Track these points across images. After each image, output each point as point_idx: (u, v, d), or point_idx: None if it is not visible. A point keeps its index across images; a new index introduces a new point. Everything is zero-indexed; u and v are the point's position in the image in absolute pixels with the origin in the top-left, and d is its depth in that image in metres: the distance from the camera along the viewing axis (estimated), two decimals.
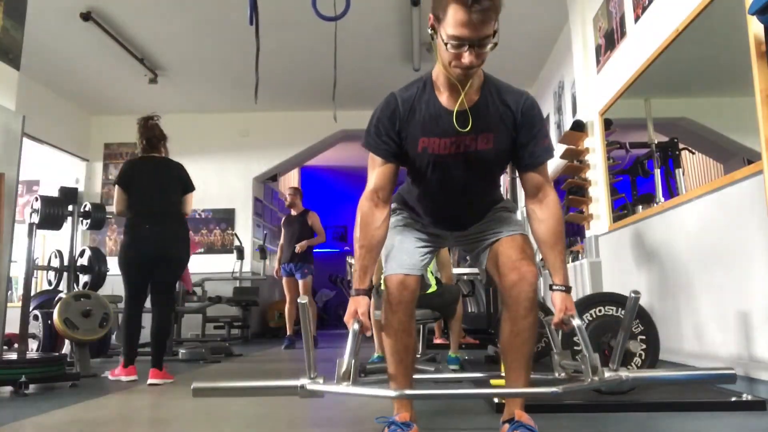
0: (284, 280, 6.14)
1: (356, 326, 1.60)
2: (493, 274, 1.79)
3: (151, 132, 3.72)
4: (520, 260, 1.68)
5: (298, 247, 5.98)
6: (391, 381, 1.77)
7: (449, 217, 1.84)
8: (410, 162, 1.74)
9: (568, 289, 1.68)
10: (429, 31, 1.58)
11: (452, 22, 1.47)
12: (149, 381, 3.25)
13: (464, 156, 1.67)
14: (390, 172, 1.72)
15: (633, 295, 1.57)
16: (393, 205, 1.90)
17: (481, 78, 1.66)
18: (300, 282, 6.04)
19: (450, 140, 1.65)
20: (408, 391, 1.68)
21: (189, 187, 3.68)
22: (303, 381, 1.54)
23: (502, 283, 1.70)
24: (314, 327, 6.34)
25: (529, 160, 1.69)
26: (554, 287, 1.69)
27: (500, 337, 1.77)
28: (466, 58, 1.50)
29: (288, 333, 6.09)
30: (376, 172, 1.72)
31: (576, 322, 1.63)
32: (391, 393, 1.65)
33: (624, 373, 1.58)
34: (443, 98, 1.65)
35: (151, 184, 3.53)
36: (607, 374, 1.57)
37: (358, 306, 1.64)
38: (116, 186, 3.55)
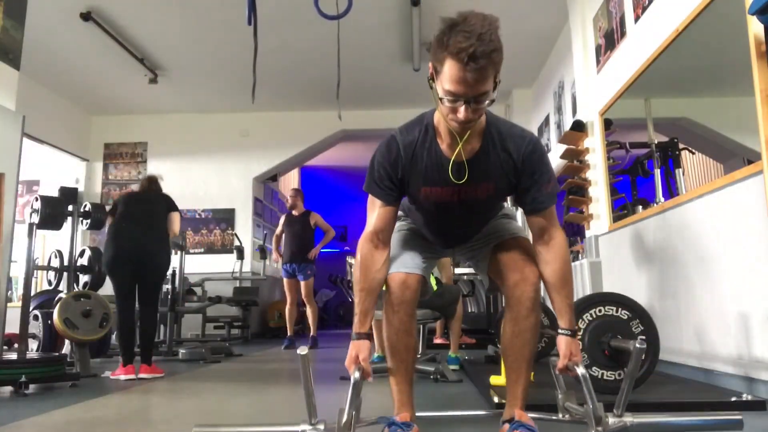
0: (285, 282, 6.10)
1: (357, 375, 1.57)
2: (495, 277, 1.79)
3: (149, 185, 4.05)
4: (521, 261, 1.68)
5: (312, 254, 6.00)
6: (391, 379, 1.77)
7: (451, 236, 1.86)
8: (411, 199, 1.76)
9: (574, 334, 1.66)
10: (429, 81, 1.54)
11: (448, 77, 1.43)
12: (138, 375, 3.50)
13: (464, 202, 1.68)
14: (390, 215, 1.70)
15: (638, 345, 1.54)
16: (398, 213, 1.92)
17: (482, 123, 1.62)
18: (302, 283, 6.00)
19: (452, 190, 1.65)
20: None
21: (173, 206, 3.96)
22: (304, 427, 1.53)
23: (505, 283, 1.70)
24: (315, 327, 6.19)
25: (532, 205, 1.67)
26: (560, 331, 1.66)
27: (501, 338, 1.77)
28: (462, 113, 1.47)
29: (288, 333, 6.06)
30: (376, 214, 1.69)
31: (580, 370, 1.59)
32: None
33: (629, 419, 1.56)
34: (444, 146, 1.63)
35: (136, 202, 3.89)
36: (611, 420, 1.55)
37: (359, 351, 1.62)
38: (108, 217, 3.94)
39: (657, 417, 1.73)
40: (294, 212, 6.27)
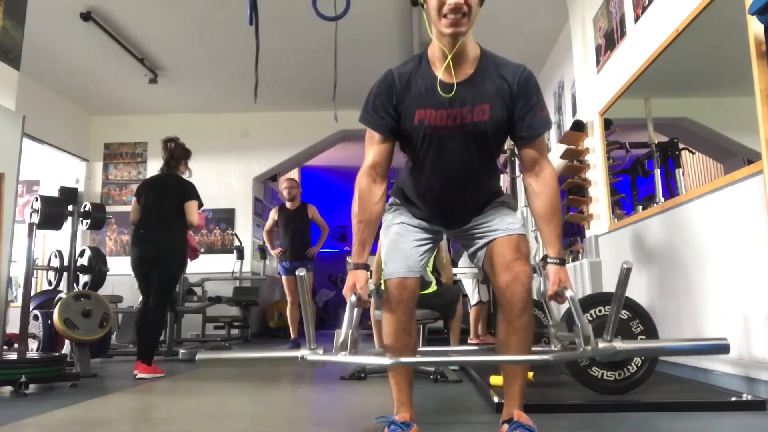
0: (285, 280, 5.71)
1: (354, 298, 1.62)
2: (489, 274, 1.79)
3: (169, 154, 4.01)
4: (513, 260, 1.67)
5: (310, 254, 5.67)
6: (391, 379, 1.77)
7: (448, 206, 1.80)
8: (407, 138, 1.73)
9: (562, 262, 1.69)
10: (421, 5, 1.63)
11: None
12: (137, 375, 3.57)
13: (460, 129, 1.66)
14: (387, 149, 1.74)
15: (625, 266, 1.56)
16: (390, 200, 1.89)
17: (477, 52, 1.67)
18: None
19: (446, 112, 1.65)
20: (403, 359, 1.66)
21: (187, 196, 3.91)
22: (303, 352, 1.55)
23: (496, 283, 1.70)
24: (295, 330, 5.80)
25: (527, 132, 1.69)
26: (549, 260, 1.70)
27: (496, 338, 1.77)
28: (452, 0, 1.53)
29: (292, 336, 5.75)
30: (374, 148, 1.73)
31: (569, 293, 1.63)
32: (387, 361, 1.63)
33: (618, 344, 1.58)
34: (438, 71, 1.66)
35: (152, 196, 3.91)
36: (601, 345, 1.58)
37: (356, 280, 1.66)
38: (134, 198, 4.03)
39: (645, 343, 1.74)
40: (288, 204, 5.79)
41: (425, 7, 1.63)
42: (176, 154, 3.99)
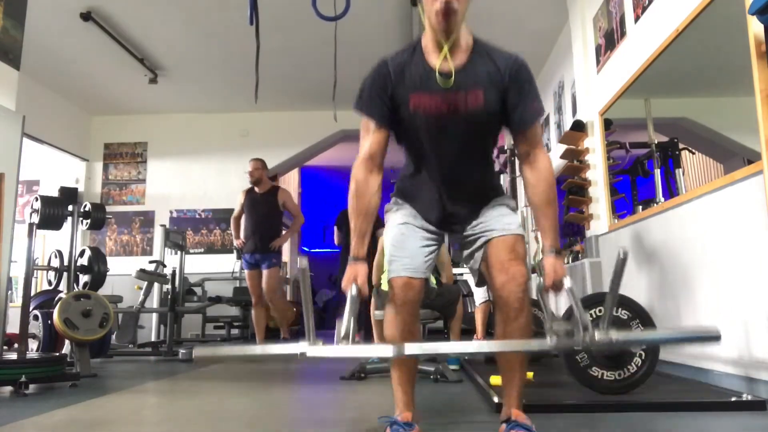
0: (247, 274, 5.01)
1: (354, 291, 1.62)
2: (485, 275, 1.78)
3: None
4: (509, 261, 1.66)
5: (275, 245, 4.93)
6: (394, 379, 1.76)
7: (447, 198, 1.77)
8: (403, 127, 1.73)
9: (559, 253, 1.69)
10: None
11: None
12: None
13: (455, 115, 1.66)
14: (383, 139, 1.73)
15: (621, 254, 1.55)
16: (392, 200, 1.88)
17: (470, 41, 1.68)
18: (265, 273, 4.89)
19: (440, 98, 1.65)
20: (407, 345, 1.59)
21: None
22: (302, 345, 1.55)
23: (492, 284, 1.69)
24: (286, 329, 5.21)
25: (520, 122, 1.70)
26: (545, 251, 1.70)
27: (495, 338, 1.76)
28: None
29: (258, 342, 5.00)
30: (369, 138, 1.72)
31: (567, 283, 1.63)
32: (389, 350, 1.58)
33: (614, 335, 1.57)
34: (432, 59, 1.67)
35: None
36: (597, 335, 1.58)
37: (356, 273, 1.65)
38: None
39: (641, 334, 1.75)
40: (257, 189, 5.09)
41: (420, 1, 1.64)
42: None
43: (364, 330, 5.69)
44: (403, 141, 1.78)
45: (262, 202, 5.05)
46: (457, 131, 1.68)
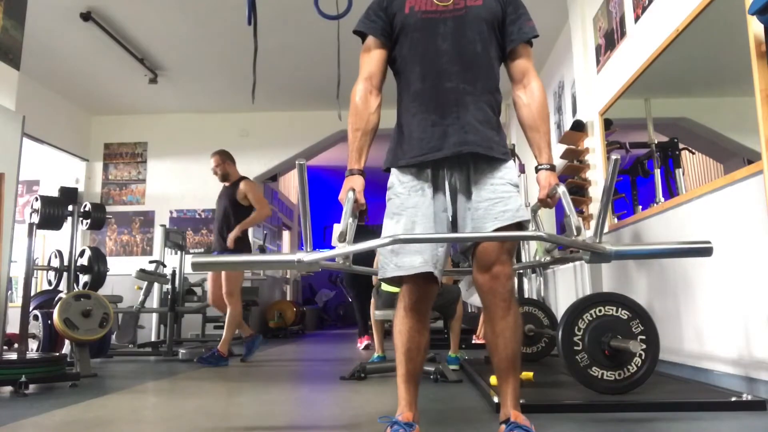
0: (210, 275, 4.72)
1: (351, 194, 1.66)
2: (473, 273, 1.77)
3: None
4: (494, 260, 1.63)
5: (229, 241, 4.45)
6: (399, 378, 1.74)
7: (448, 113, 1.68)
8: (401, 39, 1.76)
9: (553, 168, 1.73)
10: None
11: None
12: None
13: (454, 13, 1.71)
14: (381, 58, 1.79)
15: (613, 157, 1.60)
16: (390, 179, 1.78)
17: None
18: (223, 273, 4.42)
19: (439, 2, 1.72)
20: (402, 236, 1.56)
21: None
22: (300, 254, 1.56)
23: (477, 283, 1.68)
24: (246, 328, 4.79)
25: (517, 34, 1.75)
26: (539, 167, 1.74)
27: (486, 340, 1.75)
28: None
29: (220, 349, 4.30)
30: (368, 58, 1.79)
31: (560, 189, 1.68)
32: (387, 239, 1.52)
33: (608, 247, 1.60)
34: None
35: None
36: (588, 237, 1.63)
37: (353, 184, 1.70)
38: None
39: (634, 246, 1.80)
40: (227, 184, 4.81)
41: None
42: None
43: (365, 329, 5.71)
44: (399, 54, 1.79)
45: (224, 197, 4.74)
46: (455, 26, 1.72)
